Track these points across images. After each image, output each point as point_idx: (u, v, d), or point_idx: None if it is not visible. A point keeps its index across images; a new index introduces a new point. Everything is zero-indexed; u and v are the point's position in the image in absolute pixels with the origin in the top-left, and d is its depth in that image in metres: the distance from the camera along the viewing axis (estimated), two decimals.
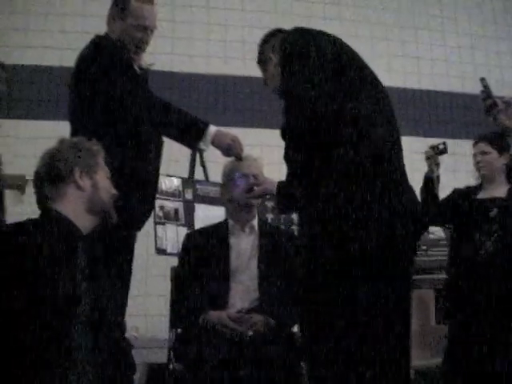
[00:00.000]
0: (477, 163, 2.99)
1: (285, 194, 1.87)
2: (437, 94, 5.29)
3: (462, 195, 3.00)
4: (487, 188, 2.97)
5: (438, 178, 3.04)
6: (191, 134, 2.29)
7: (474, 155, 3.01)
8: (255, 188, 2.11)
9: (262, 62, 2.04)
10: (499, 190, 2.93)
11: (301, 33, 1.86)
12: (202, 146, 2.30)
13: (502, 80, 5.38)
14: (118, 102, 2.15)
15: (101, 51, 2.23)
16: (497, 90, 5.14)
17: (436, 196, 3.03)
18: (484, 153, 2.96)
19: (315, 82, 1.68)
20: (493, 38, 5.53)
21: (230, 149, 2.33)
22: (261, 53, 2.05)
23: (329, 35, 1.87)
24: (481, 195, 2.96)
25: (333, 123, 1.68)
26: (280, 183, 1.92)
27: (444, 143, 3.04)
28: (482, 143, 2.99)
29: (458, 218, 2.95)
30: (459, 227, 2.96)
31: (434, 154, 3.03)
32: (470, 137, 4.92)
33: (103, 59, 2.19)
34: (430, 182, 3.01)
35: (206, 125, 2.31)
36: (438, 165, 3.04)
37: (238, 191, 2.51)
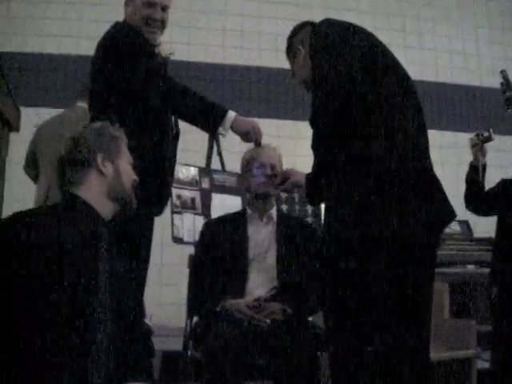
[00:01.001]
0: None
1: (314, 187, 1.87)
2: (454, 87, 5.26)
3: (509, 186, 2.96)
4: None
5: (484, 167, 2.99)
6: (210, 119, 2.29)
7: None
8: (278, 180, 2.11)
9: (291, 53, 2.04)
10: None
11: (331, 24, 1.85)
12: (221, 130, 2.31)
13: None
14: (140, 83, 2.17)
15: (121, 35, 2.25)
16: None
17: (480, 184, 2.99)
18: None
19: (345, 71, 1.68)
20: (511, 31, 5.48)
21: (249, 134, 2.33)
22: (289, 45, 2.05)
23: (355, 26, 1.87)
24: None
25: (361, 113, 1.68)
26: (308, 175, 1.92)
27: (489, 130, 2.99)
28: None
29: (503, 208, 2.91)
30: (504, 217, 2.92)
31: (480, 142, 2.98)
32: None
33: (124, 42, 2.22)
34: (475, 170, 2.97)
35: (225, 110, 2.31)
36: (483, 153, 2.99)
37: (256, 181, 2.53)
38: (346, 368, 1.69)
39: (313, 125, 1.76)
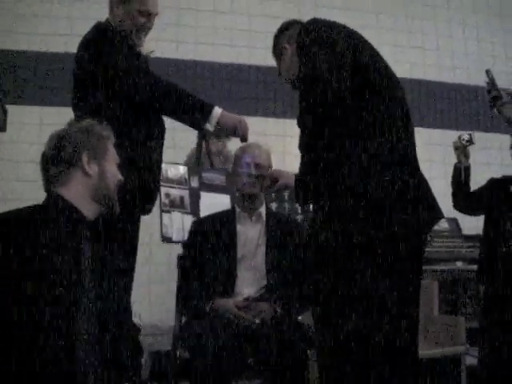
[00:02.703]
0: None
1: (302, 188, 1.86)
2: (441, 85, 5.29)
3: (497, 185, 2.99)
4: None
5: (467, 169, 3.03)
6: (197, 116, 2.29)
7: (511, 146, 2.98)
8: (265, 180, 2.09)
9: (277, 52, 2.03)
10: None
11: (319, 23, 1.85)
12: (208, 127, 2.30)
13: (507, 72, 5.37)
14: (122, 82, 2.16)
15: (103, 35, 2.24)
16: (502, 82, 5.15)
17: (465, 185, 3.02)
18: None
19: (333, 71, 1.67)
20: (499, 30, 5.51)
21: (236, 129, 2.33)
22: (276, 43, 2.03)
23: (344, 26, 1.86)
24: None
25: (349, 114, 1.67)
26: (297, 176, 1.92)
27: (469, 134, 3.03)
28: None
29: (490, 207, 2.94)
30: (490, 217, 2.95)
31: (461, 145, 3.02)
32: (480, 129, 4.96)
33: (106, 42, 2.21)
34: (459, 172, 3.01)
35: (212, 106, 2.31)
36: (466, 155, 3.04)
37: (241, 181, 2.52)
38: (334, 366, 1.68)
39: (300, 124, 1.75)
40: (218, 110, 2.28)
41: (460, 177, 3.02)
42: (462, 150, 3.03)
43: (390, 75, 1.83)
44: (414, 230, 1.72)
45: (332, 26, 1.84)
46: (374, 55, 1.83)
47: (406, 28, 5.32)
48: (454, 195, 3.08)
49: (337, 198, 1.68)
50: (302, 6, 4.87)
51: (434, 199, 1.79)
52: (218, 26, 4.83)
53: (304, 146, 1.75)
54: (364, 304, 1.66)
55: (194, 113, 2.27)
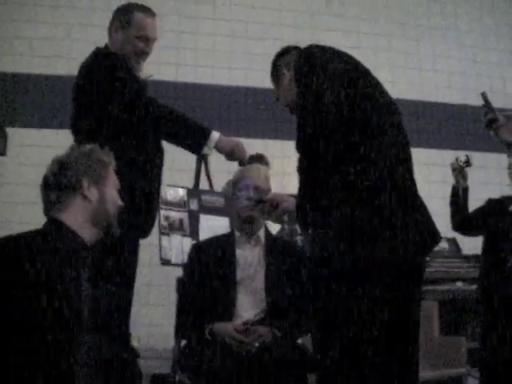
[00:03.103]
0: (510, 175, 2.98)
1: (303, 213, 1.86)
2: (439, 106, 5.32)
3: (495, 206, 3.00)
4: None
5: (465, 190, 3.05)
6: (194, 140, 2.31)
7: (509, 166, 2.99)
8: (265, 206, 2.09)
9: (276, 77, 2.04)
10: None
11: (318, 49, 1.86)
12: (206, 151, 2.32)
13: (504, 92, 5.41)
14: (121, 108, 2.17)
15: (102, 61, 2.27)
16: (499, 102, 5.19)
17: (463, 206, 3.03)
18: None
19: (330, 97, 1.68)
20: (495, 50, 5.56)
21: (233, 153, 2.34)
22: (274, 68, 2.04)
23: (342, 52, 1.88)
24: None
25: (346, 138, 1.68)
26: (298, 201, 1.92)
27: (466, 155, 3.05)
28: None
29: (489, 228, 2.94)
30: (489, 237, 2.95)
31: (459, 166, 3.04)
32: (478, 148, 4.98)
33: (105, 68, 2.23)
34: (456, 193, 3.03)
35: (209, 130, 2.33)
36: (464, 176, 3.05)
37: (239, 205, 2.52)
38: None
39: (299, 150, 1.76)
40: (215, 134, 2.30)
41: (458, 198, 3.03)
42: (459, 171, 3.05)
43: (387, 102, 1.84)
44: (413, 255, 1.71)
45: (330, 53, 1.85)
46: (372, 83, 1.84)
47: (403, 49, 5.37)
48: (453, 216, 3.09)
49: (336, 223, 1.68)
50: (300, 29, 4.93)
51: (432, 223, 1.79)
52: (217, 49, 4.88)
53: (303, 170, 1.75)
54: (364, 330, 1.65)
55: (191, 137, 2.29)
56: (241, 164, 2.41)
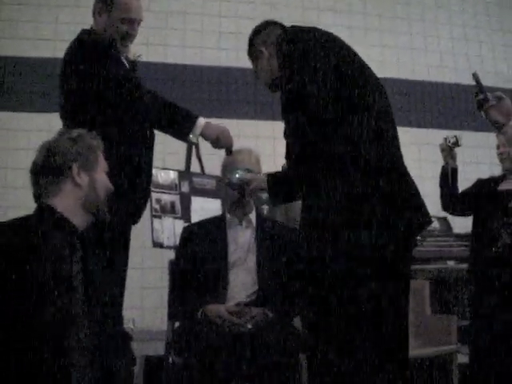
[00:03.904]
0: (499, 155, 2.97)
1: (277, 188, 1.86)
2: (430, 85, 5.31)
3: (485, 185, 3.00)
4: (509, 179, 2.94)
5: (455, 170, 3.05)
6: (180, 127, 2.28)
7: (498, 146, 2.98)
8: (245, 187, 2.09)
9: (253, 55, 2.00)
10: None
11: (301, 32, 1.83)
12: (191, 138, 2.29)
13: (494, 71, 5.41)
14: (106, 94, 2.15)
15: (87, 45, 2.22)
16: (490, 82, 5.19)
17: (453, 187, 3.04)
18: (505, 145, 2.92)
19: (317, 83, 1.66)
20: (486, 30, 5.54)
21: (219, 141, 2.31)
22: (251, 46, 2.00)
23: (327, 33, 1.85)
24: (503, 186, 2.94)
25: (334, 123, 1.67)
26: (269, 176, 1.92)
27: (455, 136, 3.05)
28: (501, 135, 2.92)
29: (478, 208, 2.95)
30: (479, 217, 2.96)
31: (447, 147, 3.04)
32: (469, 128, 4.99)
33: (90, 53, 2.19)
34: (446, 174, 3.03)
35: (196, 117, 2.30)
36: (453, 157, 3.05)
37: (230, 189, 2.51)
38: (326, 370, 1.68)
39: (286, 136, 1.75)
40: (201, 121, 2.27)
41: (447, 179, 3.04)
42: (448, 151, 3.04)
43: (373, 82, 1.83)
44: (402, 235, 1.72)
45: (315, 34, 1.82)
46: (358, 64, 1.82)
47: (393, 28, 5.34)
48: (442, 197, 3.09)
49: (325, 203, 1.68)
50: (291, 9, 4.88)
51: (423, 204, 1.80)
52: (206, 29, 4.83)
53: (289, 156, 1.75)
54: (352, 307, 1.66)
55: (177, 124, 2.26)
56: (227, 152, 2.38)
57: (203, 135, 2.28)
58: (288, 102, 1.73)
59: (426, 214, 1.80)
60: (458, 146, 3.03)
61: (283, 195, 1.93)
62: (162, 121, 2.27)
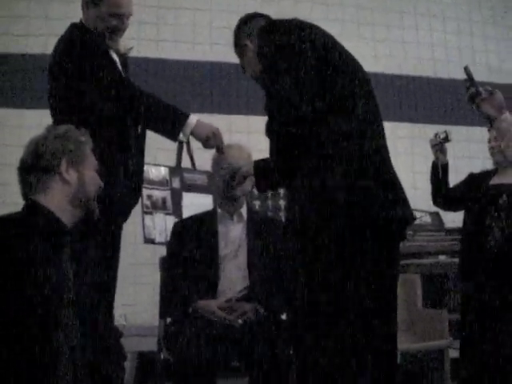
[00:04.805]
0: (490, 149, 2.97)
1: (262, 173, 1.85)
2: (422, 79, 5.31)
3: (476, 180, 3.00)
4: (501, 174, 2.94)
5: (445, 165, 3.05)
6: (171, 126, 2.25)
7: (489, 140, 2.98)
8: (236, 173, 2.08)
9: (239, 48, 1.98)
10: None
11: (281, 24, 1.80)
12: (181, 137, 2.27)
13: (487, 64, 5.41)
14: (95, 91, 2.13)
15: (75, 41, 2.20)
16: (483, 75, 5.18)
17: (444, 182, 3.04)
18: (497, 139, 2.90)
19: (299, 81, 1.64)
20: (478, 23, 5.54)
21: (209, 141, 2.29)
22: (237, 39, 1.98)
23: (309, 25, 1.83)
24: (494, 181, 2.94)
25: (318, 110, 1.66)
26: (256, 162, 1.91)
27: (445, 131, 3.05)
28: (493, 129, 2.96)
29: (470, 202, 2.95)
30: (470, 212, 2.96)
31: (438, 142, 3.04)
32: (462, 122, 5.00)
33: (78, 49, 2.17)
34: (436, 170, 3.03)
35: (186, 116, 2.27)
36: (444, 152, 3.05)
37: (222, 184, 2.50)
38: (314, 364, 1.68)
39: (268, 133, 1.74)
40: (192, 120, 2.24)
41: (438, 174, 3.04)
42: (438, 147, 3.05)
43: (359, 73, 1.82)
44: (391, 231, 1.72)
45: (296, 25, 1.80)
46: (342, 54, 1.80)
47: (385, 21, 5.33)
48: (433, 192, 3.10)
49: (311, 196, 1.67)
50: (282, 2, 4.86)
51: (406, 202, 1.79)
52: (198, 24, 4.81)
53: (274, 152, 1.74)
54: (339, 300, 1.66)
55: (167, 123, 2.23)
56: (218, 151, 2.36)
57: (194, 135, 2.26)
58: (268, 95, 1.72)
59: (408, 209, 1.79)
60: (448, 141, 3.04)
61: (269, 182, 1.91)
62: (150, 120, 2.24)
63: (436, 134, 3.07)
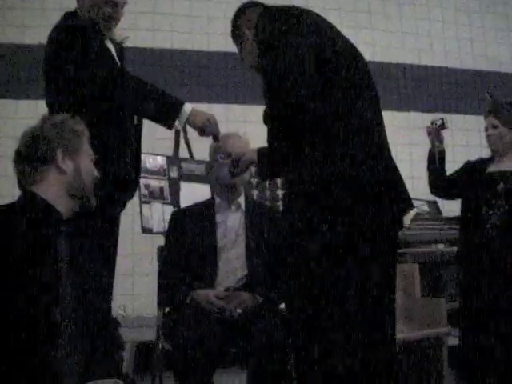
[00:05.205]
0: (487, 136, 2.96)
1: (266, 160, 1.84)
2: (420, 68, 5.29)
3: (473, 168, 2.99)
4: (498, 161, 2.93)
5: (442, 153, 3.04)
6: (166, 113, 2.24)
7: (486, 128, 2.97)
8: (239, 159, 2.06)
9: (237, 38, 1.96)
10: (509, 164, 2.90)
11: (278, 12, 1.78)
12: (177, 125, 2.25)
13: (485, 55, 5.40)
14: (89, 80, 2.11)
15: (69, 30, 2.18)
16: (481, 65, 5.18)
17: (440, 170, 3.04)
18: (494, 126, 2.91)
19: (296, 68, 1.62)
20: (477, 13, 5.52)
21: (205, 128, 2.28)
22: (234, 28, 1.96)
23: (307, 12, 1.81)
24: (491, 168, 2.93)
25: (316, 109, 1.64)
26: (260, 149, 1.90)
27: (442, 118, 3.04)
28: (491, 116, 2.93)
29: (467, 190, 2.94)
30: (468, 200, 2.95)
31: (434, 130, 3.03)
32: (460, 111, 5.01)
33: (72, 38, 2.15)
34: (433, 157, 3.03)
35: (182, 103, 2.26)
36: (440, 140, 3.04)
37: (222, 172, 2.48)
38: (309, 356, 1.68)
39: (267, 122, 1.72)
40: (188, 108, 2.22)
41: (435, 161, 3.03)
42: (435, 134, 3.03)
43: (359, 62, 1.80)
44: (390, 219, 1.71)
45: (295, 12, 1.78)
46: (343, 43, 1.79)
47: (383, 11, 5.31)
48: (430, 180, 3.09)
49: (302, 174, 1.66)
50: None
51: (405, 190, 1.78)
52: (194, 14, 4.79)
53: (271, 142, 1.72)
54: (336, 291, 1.65)
55: (162, 111, 2.21)
56: (215, 139, 2.34)
57: (189, 123, 2.25)
58: (266, 84, 1.70)
59: (407, 199, 1.78)
60: (445, 128, 3.03)
61: (271, 169, 1.90)
62: (146, 108, 2.23)
63: (432, 122, 3.06)
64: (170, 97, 2.25)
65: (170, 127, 2.27)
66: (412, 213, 3.97)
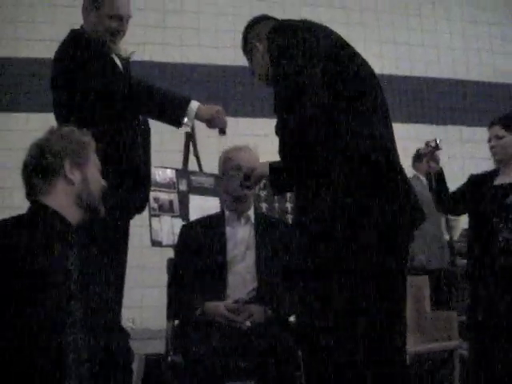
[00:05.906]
0: (491, 148, 2.93)
1: (278, 175, 1.84)
2: (427, 81, 5.31)
3: (478, 182, 2.97)
4: (504, 173, 2.90)
5: (441, 174, 3.01)
6: (174, 111, 2.27)
7: (489, 139, 2.94)
8: (251, 174, 2.07)
9: (248, 51, 1.98)
10: None
11: (289, 25, 1.80)
12: (186, 121, 2.29)
13: (493, 66, 5.40)
14: (97, 94, 2.14)
15: (77, 44, 2.22)
16: (488, 76, 5.18)
17: (443, 190, 3.02)
18: (498, 137, 2.88)
19: (308, 81, 1.63)
20: (484, 24, 5.53)
21: (214, 121, 2.31)
22: (245, 41, 1.98)
23: (317, 25, 1.83)
24: (498, 181, 2.90)
25: (325, 120, 1.65)
26: (272, 164, 1.90)
27: (435, 140, 3.04)
28: (496, 127, 2.90)
29: (475, 205, 2.92)
30: (477, 214, 2.92)
31: (429, 151, 3.03)
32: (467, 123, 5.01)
33: (79, 53, 2.19)
34: (431, 179, 3.02)
35: (188, 100, 2.30)
36: (436, 161, 3.03)
37: (233, 184, 2.48)
38: (320, 367, 1.66)
39: (278, 132, 1.73)
40: (195, 104, 2.28)
41: (434, 183, 3.01)
42: (430, 155, 3.02)
43: (369, 75, 1.81)
44: (397, 231, 1.70)
45: (306, 26, 1.79)
46: (353, 55, 1.80)
47: (391, 23, 5.33)
48: (434, 200, 3.06)
49: (321, 202, 1.66)
50: (287, 5, 4.87)
51: (417, 202, 1.77)
52: (203, 28, 4.83)
53: (282, 153, 1.72)
54: (348, 303, 1.64)
55: (170, 109, 2.25)
56: (221, 132, 2.37)
57: (198, 117, 2.28)
58: (278, 96, 1.71)
59: (420, 210, 1.78)
60: (439, 149, 3.02)
61: (283, 184, 1.90)
62: (154, 108, 2.26)
63: (427, 143, 3.06)
64: (176, 94, 2.29)
65: (179, 125, 2.31)
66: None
